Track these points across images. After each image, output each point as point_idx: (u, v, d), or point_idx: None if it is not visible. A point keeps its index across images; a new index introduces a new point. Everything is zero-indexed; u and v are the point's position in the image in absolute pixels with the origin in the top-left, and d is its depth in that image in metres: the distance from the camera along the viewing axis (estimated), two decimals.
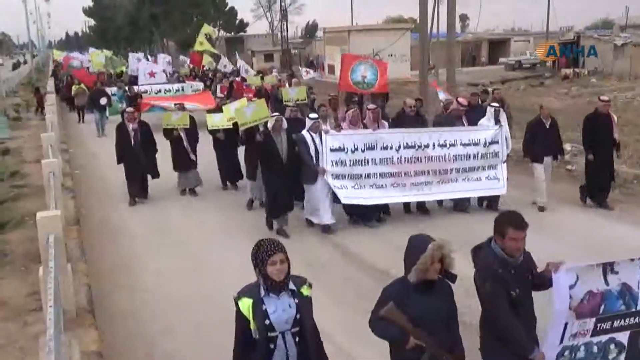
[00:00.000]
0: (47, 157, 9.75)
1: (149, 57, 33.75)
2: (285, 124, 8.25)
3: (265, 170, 8.32)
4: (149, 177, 10.43)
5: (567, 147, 11.35)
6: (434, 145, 8.58)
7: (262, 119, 8.67)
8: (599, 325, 3.55)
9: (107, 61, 25.89)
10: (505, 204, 8.93)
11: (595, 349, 3.60)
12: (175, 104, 12.39)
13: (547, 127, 9.09)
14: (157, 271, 7.27)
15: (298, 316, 3.28)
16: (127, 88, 18.87)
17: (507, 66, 41.30)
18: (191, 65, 28.65)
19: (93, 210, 10.00)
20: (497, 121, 8.84)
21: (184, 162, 10.52)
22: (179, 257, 7.68)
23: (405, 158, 8.52)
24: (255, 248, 3.29)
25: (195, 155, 10.56)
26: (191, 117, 10.69)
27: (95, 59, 26.00)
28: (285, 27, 59.59)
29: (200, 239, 8.47)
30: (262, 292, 3.24)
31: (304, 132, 8.30)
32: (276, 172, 8.09)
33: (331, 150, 8.27)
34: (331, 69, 38.56)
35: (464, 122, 9.07)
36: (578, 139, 11.78)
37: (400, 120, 9.22)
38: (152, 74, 21.17)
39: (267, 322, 3.21)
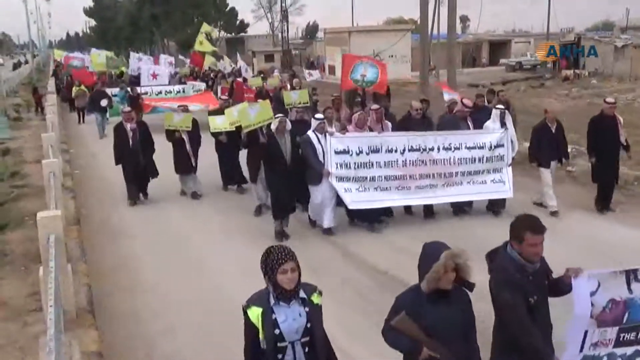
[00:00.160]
0: (47, 157, 9.75)
1: (150, 57, 33.70)
2: (289, 126, 8.20)
3: (269, 172, 8.29)
4: (149, 177, 10.38)
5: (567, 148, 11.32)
6: (439, 149, 8.54)
7: (266, 120, 8.58)
8: (622, 335, 3.42)
9: (108, 61, 25.85)
10: (511, 207, 8.92)
11: None
12: (179, 106, 12.28)
13: (553, 131, 8.98)
14: (157, 271, 7.27)
15: (308, 325, 3.17)
16: (129, 89, 18.84)
17: (508, 67, 41.36)
18: (191, 66, 28.64)
19: (93, 211, 10.01)
20: (503, 124, 8.78)
21: (185, 165, 10.45)
22: (179, 258, 7.68)
23: (410, 161, 8.48)
24: (265, 255, 3.18)
25: (196, 160, 10.48)
26: (194, 120, 10.61)
27: (96, 59, 25.98)
28: (285, 27, 59.70)
29: (201, 239, 8.46)
30: (272, 301, 3.13)
31: (310, 133, 8.26)
32: (280, 173, 8.04)
33: (336, 152, 8.24)
34: (332, 69, 38.59)
35: (469, 123, 9.00)
36: (579, 140, 11.81)
37: (407, 124, 9.12)
38: (154, 76, 21.17)
39: (276, 331, 3.11)
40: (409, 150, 8.47)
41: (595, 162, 9.01)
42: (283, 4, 62.12)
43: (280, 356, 3.15)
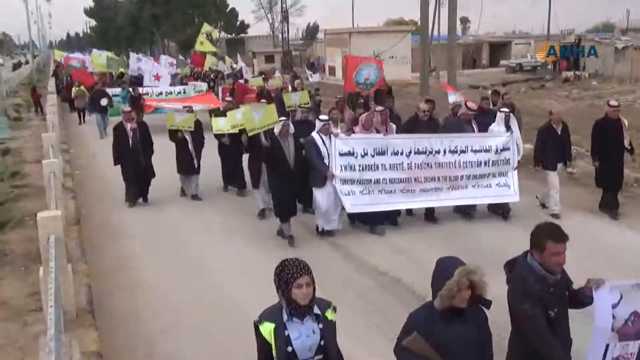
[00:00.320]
0: (47, 157, 9.75)
1: (150, 57, 33.70)
2: (292, 129, 8.11)
3: (272, 176, 8.18)
4: (150, 178, 10.32)
5: None
6: (445, 152, 8.46)
7: (270, 124, 8.42)
8: None
9: (108, 62, 25.82)
10: (516, 210, 8.93)
11: None
12: (184, 106, 12.16)
13: (559, 133, 8.89)
14: (157, 271, 7.27)
15: (322, 343, 3.04)
16: (131, 89, 18.84)
17: (508, 69, 41.37)
18: (192, 66, 28.64)
19: (93, 211, 10.00)
20: (508, 127, 8.72)
21: (187, 166, 10.40)
22: (179, 258, 7.68)
23: (415, 164, 8.39)
24: (279, 268, 3.04)
25: (199, 161, 10.43)
26: (198, 121, 10.55)
27: (97, 60, 25.98)
28: (286, 28, 59.83)
29: (201, 239, 8.45)
30: (285, 316, 3.00)
31: (314, 134, 8.18)
32: (283, 177, 7.94)
33: (340, 154, 8.13)
34: (332, 70, 38.64)
35: (474, 126, 8.89)
36: (579, 142, 11.80)
37: (413, 125, 9.05)
38: (157, 77, 21.15)
39: (289, 348, 2.97)
40: (415, 153, 8.38)
41: (599, 166, 8.93)
42: (283, 5, 62.29)
43: None
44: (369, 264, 7.34)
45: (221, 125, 10.23)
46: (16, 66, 58.00)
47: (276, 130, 8.01)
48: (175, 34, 66.69)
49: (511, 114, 9.01)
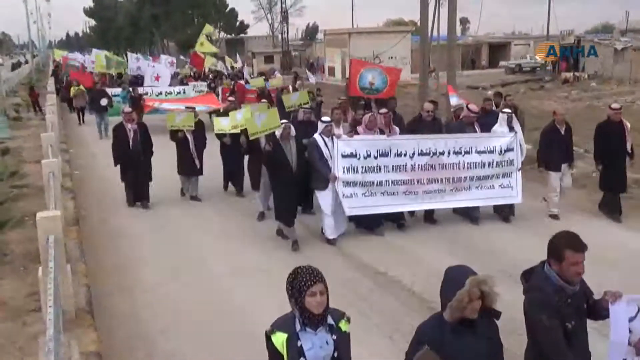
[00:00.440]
0: (47, 157, 9.72)
1: (149, 57, 33.69)
2: (293, 132, 8.00)
3: (274, 179, 8.05)
4: (149, 180, 10.25)
5: None
6: (449, 153, 8.35)
7: (272, 128, 8.20)
8: None
9: (109, 62, 25.83)
10: (518, 212, 8.92)
11: None
12: (186, 107, 12.07)
13: (562, 133, 8.84)
14: (157, 271, 7.26)
15: (336, 354, 2.94)
16: (131, 89, 18.82)
17: (507, 69, 41.39)
18: (191, 66, 28.64)
19: (93, 211, 9.99)
20: (510, 128, 8.69)
21: (188, 167, 10.34)
22: (178, 258, 7.67)
23: (419, 165, 8.29)
24: (291, 276, 2.92)
25: (201, 162, 10.37)
26: (200, 122, 10.49)
27: (101, 60, 25.97)
28: (285, 29, 59.86)
29: (201, 239, 8.45)
30: (298, 326, 2.89)
31: (316, 136, 8.07)
32: (285, 180, 7.82)
33: (343, 156, 8.00)
34: (331, 71, 38.66)
35: (476, 128, 8.83)
36: (578, 142, 11.77)
37: (417, 126, 9.00)
38: (157, 78, 21.15)
39: None
40: (419, 154, 8.27)
41: (603, 169, 8.90)
42: (283, 5, 62.31)
43: None
44: (369, 264, 7.34)
45: (223, 125, 10.19)
46: (15, 66, 57.96)
47: (278, 133, 7.88)
48: (175, 34, 66.72)
49: (513, 115, 8.97)
